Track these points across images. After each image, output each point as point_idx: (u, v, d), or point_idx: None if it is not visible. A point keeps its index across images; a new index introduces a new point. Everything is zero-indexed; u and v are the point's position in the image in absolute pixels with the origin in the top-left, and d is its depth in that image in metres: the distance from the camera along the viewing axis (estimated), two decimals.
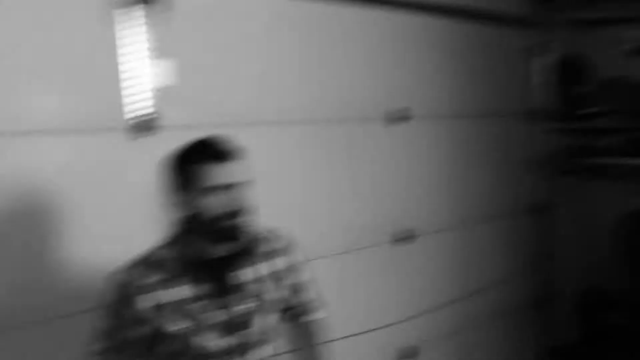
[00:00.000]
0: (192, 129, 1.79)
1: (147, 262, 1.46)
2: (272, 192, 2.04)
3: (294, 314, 1.73)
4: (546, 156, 3.33)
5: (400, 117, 2.53)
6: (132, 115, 1.73)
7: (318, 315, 1.75)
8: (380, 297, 2.52)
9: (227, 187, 1.42)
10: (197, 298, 1.45)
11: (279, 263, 1.60)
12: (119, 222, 1.74)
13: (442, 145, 2.77)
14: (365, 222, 2.44)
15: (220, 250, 1.47)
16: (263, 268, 1.56)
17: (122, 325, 1.45)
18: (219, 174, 1.41)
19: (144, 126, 1.74)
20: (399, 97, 2.53)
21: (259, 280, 1.54)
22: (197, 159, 1.42)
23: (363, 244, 2.43)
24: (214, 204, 1.41)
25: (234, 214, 1.43)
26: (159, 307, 1.43)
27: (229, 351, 1.50)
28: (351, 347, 2.34)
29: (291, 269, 1.64)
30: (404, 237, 2.60)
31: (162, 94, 1.79)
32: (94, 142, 1.67)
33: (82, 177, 1.66)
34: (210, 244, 1.46)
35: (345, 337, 2.32)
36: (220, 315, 1.47)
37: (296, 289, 1.68)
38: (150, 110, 1.75)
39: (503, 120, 3.11)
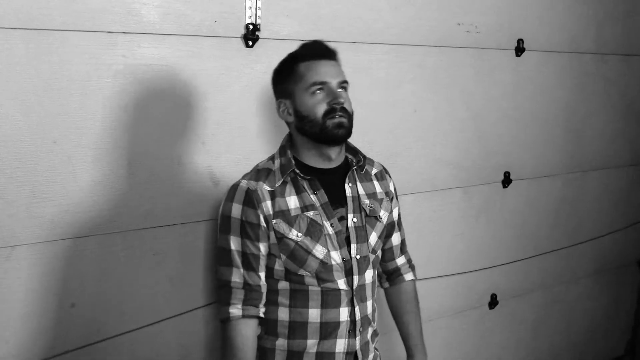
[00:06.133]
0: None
1: (261, 172, 1.45)
2: (378, 118, 2.00)
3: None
4: None
5: (513, 48, 2.34)
6: (242, 23, 1.69)
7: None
8: (469, 239, 2.41)
9: (328, 84, 1.39)
10: (309, 207, 1.43)
11: (378, 187, 1.59)
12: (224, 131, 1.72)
13: (559, 84, 2.54)
14: (464, 160, 2.31)
15: (328, 156, 1.45)
16: (366, 187, 1.56)
17: (250, 238, 1.41)
18: (321, 71, 1.39)
19: (252, 36, 1.70)
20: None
21: (363, 196, 1.53)
22: (301, 58, 1.42)
23: (457, 183, 2.31)
24: (317, 101, 1.39)
25: (335, 111, 1.39)
26: (275, 216, 1.40)
27: (345, 267, 1.47)
28: (434, 286, 2.28)
29: (388, 195, 1.62)
30: (505, 180, 2.46)
31: (274, 5, 1.73)
32: (207, 47, 1.64)
33: (191, 80, 1.64)
34: (316, 148, 1.44)
35: (432, 277, 2.26)
36: (332, 227, 1.45)
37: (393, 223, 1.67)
38: (260, 20, 1.71)
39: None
